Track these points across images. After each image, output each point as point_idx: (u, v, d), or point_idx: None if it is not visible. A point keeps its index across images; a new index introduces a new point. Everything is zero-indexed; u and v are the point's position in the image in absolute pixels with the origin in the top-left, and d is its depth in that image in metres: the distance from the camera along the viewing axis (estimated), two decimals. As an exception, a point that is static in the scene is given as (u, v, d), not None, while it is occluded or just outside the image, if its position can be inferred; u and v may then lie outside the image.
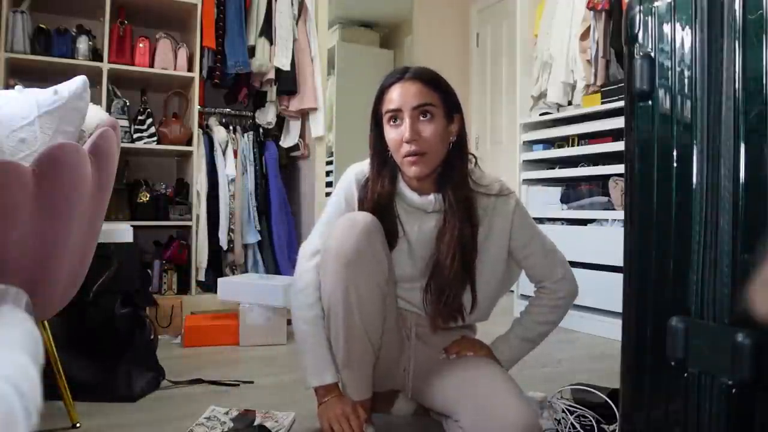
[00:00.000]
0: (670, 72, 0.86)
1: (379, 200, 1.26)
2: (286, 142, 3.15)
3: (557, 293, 1.35)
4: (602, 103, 2.64)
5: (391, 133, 1.22)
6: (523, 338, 1.37)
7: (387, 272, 1.24)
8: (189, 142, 2.76)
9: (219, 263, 2.91)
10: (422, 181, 1.26)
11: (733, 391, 0.76)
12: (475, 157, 1.31)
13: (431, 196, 1.26)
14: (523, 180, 3.04)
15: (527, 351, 1.39)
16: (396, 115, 1.20)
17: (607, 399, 1.34)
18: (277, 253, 3.04)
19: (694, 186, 0.83)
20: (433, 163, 1.22)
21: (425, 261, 1.28)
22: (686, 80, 0.84)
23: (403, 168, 1.23)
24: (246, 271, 2.96)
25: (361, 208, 1.28)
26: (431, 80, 1.21)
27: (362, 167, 1.34)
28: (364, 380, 1.28)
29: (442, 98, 1.21)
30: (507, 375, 1.25)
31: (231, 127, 3.00)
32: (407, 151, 1.19)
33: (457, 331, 1.38)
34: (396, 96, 1.20)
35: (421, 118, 1.19)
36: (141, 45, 2.69)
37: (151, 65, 2.70)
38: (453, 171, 1.24)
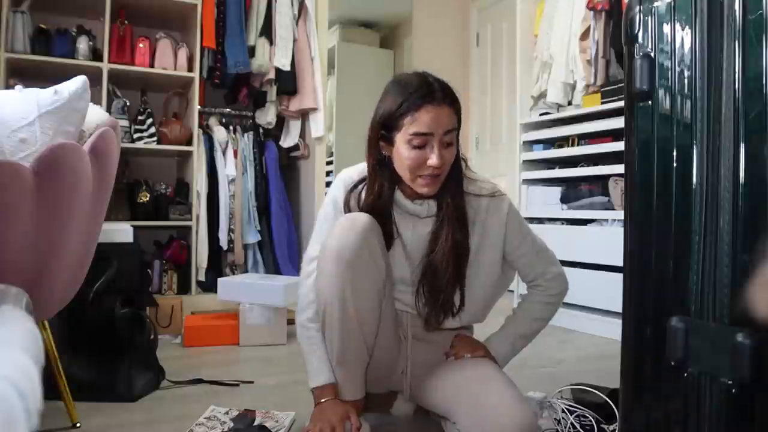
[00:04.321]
0: (670, 72, 0.86)
1: (377, 203, 1.26)
2: (286, 142, 3.15)
3: (550, 290, 1.37)
4: (602, 103, 2.64)
5: (410, 153, 1.17)
6: (519, 335, 1.38)
7: (384, 273, 1.24)
8: (189, 142, 2.77)
9: (219, 263, 2.91)
10: (408, 190, 1.26)
11: (733, 391, 0.76)
12: (464, 160, 1.31)
13: (424, 204, 1.27)
14: (523, 180, 3.04)
15: (521, 347, 1.40)
16: (426, 139, 1.16)
17: (607, 399, 1.34)
18: (277, 253, 3.05)
19: (694, 186, 0.83)
20: (442, 180, 1.23)
21: (421, 264, 1.28)
22: (686, 80, 0.84)
23: (414, 186, 1.22)
24: (246, 271, 2.96)
25: (348, 212, 1.28)
26: (455, 101, 1.19)
27: (351, 173, 1.34)
28: (357, 380, 1.28)
29: (458, 118, 1.21)
30: (504, 376, 1.25)
31: (231, 127, 3.00)
32: (429, 174, 1.18)
33: (453, 332, 1.38)
34: (429, 120, 1.15)
35: (446, 142, 1.18)
36: (141, 45, 2.69)
37: (151, 65, 2.70)
38: (450, 178, 1.24)
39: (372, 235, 1.20)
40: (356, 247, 1.17)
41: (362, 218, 1.21)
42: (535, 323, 1.39)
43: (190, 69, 2.77)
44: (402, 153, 1.19)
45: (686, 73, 0.84)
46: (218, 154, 2.89)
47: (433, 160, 1.15)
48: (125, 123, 2.65)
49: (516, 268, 1.38)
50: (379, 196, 1.26)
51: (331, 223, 1.27)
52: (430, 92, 1.16)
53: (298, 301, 1.33)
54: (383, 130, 1.22)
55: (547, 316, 1.39)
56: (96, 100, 2.19)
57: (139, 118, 2.75)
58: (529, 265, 1.36)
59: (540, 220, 2.92)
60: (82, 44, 2.57)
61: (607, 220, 2.58)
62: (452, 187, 1.25)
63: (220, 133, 2.92)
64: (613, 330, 2.39)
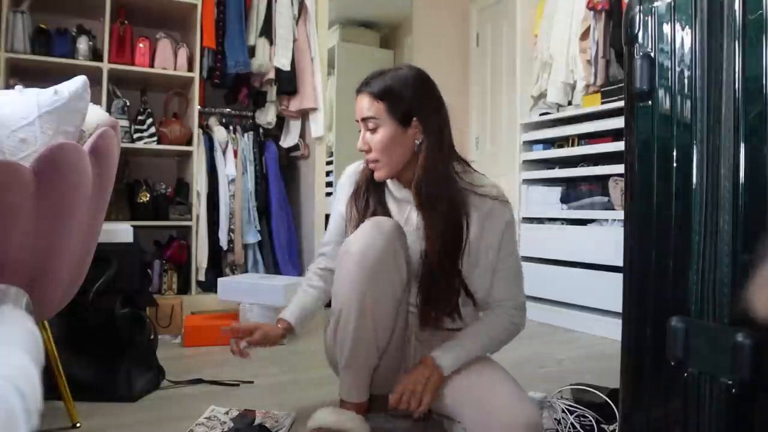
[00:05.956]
0: (670, 72, 0.86)
1: (366, 180, 1.35)
2: (286, 142, 3.15)
3: (515, 318, 1.31)
4: (602, 103, 2.64)
5: None
6: (470, 349, 1.28)
7: (405, 280, 1.25)
8: (189, 142, 2.77)
9: (219, 263, 2.91)
10: (401, 177, 1.32)
11: (733, 391, 0.76)
12: (465, 161, 1.33)
13: (409, 192, 1.31)
14: (523, 180, 3.04)
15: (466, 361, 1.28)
16: (359, 125, 1.30)
17: (607, 399, 1.34)
18: (277, 253, 3.05)
19: (694, 186, 0.83)
20: (390, 168, 1.28)
21: (417, 260, 1.29)
22: (686, 80, 0.84)
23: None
24: (246, 271, 2.96)
25: (356, 194, 1.36)
26: (378, 91, 1.26)
27: (359, 162, 1.42)
28: (363, 383, 1.28)
29: (388, 107, 1.25)
30: (509, 376, 1.26)
31: (231, 127, 3.00)
32: (365, 158, 1.31)
33: (456, 332, 1.38)
34: (355, 107, 1.29)
35: (370, 126, 1.27)
36: (141, 45, 2.69)
37: (151, 65, 2.70)
38: (424, 170, 1.25)
39: (396, 239, 1.22)
40: (381, 253, 1.18)
41: (388, 223, 1.23)
42: (491, 342, 1.30)
43: (190, 69, 2.77)
44: None
45: (686, 73, 0.84)
46: (218, 154, 2.89)
47: (358, 142, 1.29)
48: (125, 123, 2.65)
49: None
50: (368, 175, 1.35)
51: (344, 195, 1.39)
52: (362, 82, 1.29)
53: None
54: None
55: (504, 340, 1.32)
56: (96, 100, 2.19)
57: (139, 118, 2.75)
58: (503, 283, 1.31)
59: (540, 220, 2.92)
60: (82, 44, 2.57)
61: (607, 220, 2.58)
62: (427, 178, 1.25)
63: (220, 133, 2.92)
64: (613, 330, 2.39)
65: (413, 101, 1.26)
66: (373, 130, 1.27)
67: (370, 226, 1.22)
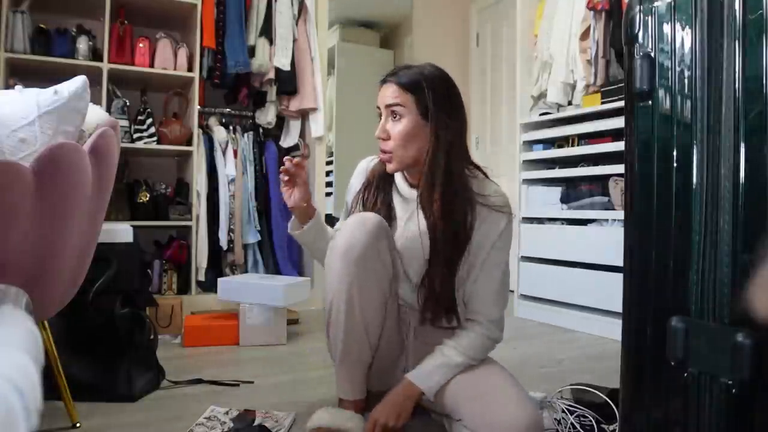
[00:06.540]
0: (670, 72, 0.86)
1: (376, 176, 1.36)
2: (286, 142, 3.15)
3: (491, 333, 1.29)
4: (602, 103, 2.64)
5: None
6: (450, 373, 1.27)
7: (391, 273, 1.26)
8: (189, 142, 2.77)
9: (219, 263, 2.91)
10: (412, 177, 1.31)
11: (733, 391, 0.76)
12: (477, 166, 1.32)
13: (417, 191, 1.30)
14: (523, 180, 3.04)
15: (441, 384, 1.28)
16: (379, 113, 1.28)
17: (607, 399, 1.34)
18: (277, 253, 3.05)
19: (694, 186, 0.83)
20: (402, 161, 1.26)
21: (419, 259, 1.28)
22: (686, 80, 0.84)
23: None
24: (246, 271, 2.96)
25: (365, 191, 1.37)
26: (407, 82, 1.24)
27: (371, 158, 1.43)
28: (358, 378, 1.29)
29: (415, 99, 1.23)
30: (509, 374, 1.26)
31: (231, 127, 3.00)
32: (380, 148, 1.28)
33: (456, 330, 1.38)
34: (379, 95, 1.28)
35: (392, 118, 1.25)
36: (141, 45, 2.69)
37: (151, 65, 2.71)
38: (436, 169, 1.24)
39: (380, 234, 1.23)
40: (364, 246, 1.20)
41: (371, 217, 1.24)
42: (468, 363, 1.27)
43: (190, 69, 2.77)
44: None
45: (686, 73, 0.84)
46: (218, 154, 2.89)
47: (377, 130, 1.27)
48: (125, 123, 2.65)
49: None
50: (379, 170, 1.35)
51: (354, 190, 1.41)
52: (390, 72, 1.28)
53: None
54: None
55: (482, 356, 1.30)
56: (96, 100, 2.19)
57: (139, 118, 2.75)
58: (483, 296, 1.28)
59: (540, 220, 2.92)
60: (82, 44, 2.57)
61: (607, 220, 2.58)
62: (437, 178, 1.23)
63: (220, 133, 2.92)
64: (613, 330, 2.39)
65: (440, 98, 1.24)
66: (396, 120, 1.25)
67: (354, 222, 1.23)
